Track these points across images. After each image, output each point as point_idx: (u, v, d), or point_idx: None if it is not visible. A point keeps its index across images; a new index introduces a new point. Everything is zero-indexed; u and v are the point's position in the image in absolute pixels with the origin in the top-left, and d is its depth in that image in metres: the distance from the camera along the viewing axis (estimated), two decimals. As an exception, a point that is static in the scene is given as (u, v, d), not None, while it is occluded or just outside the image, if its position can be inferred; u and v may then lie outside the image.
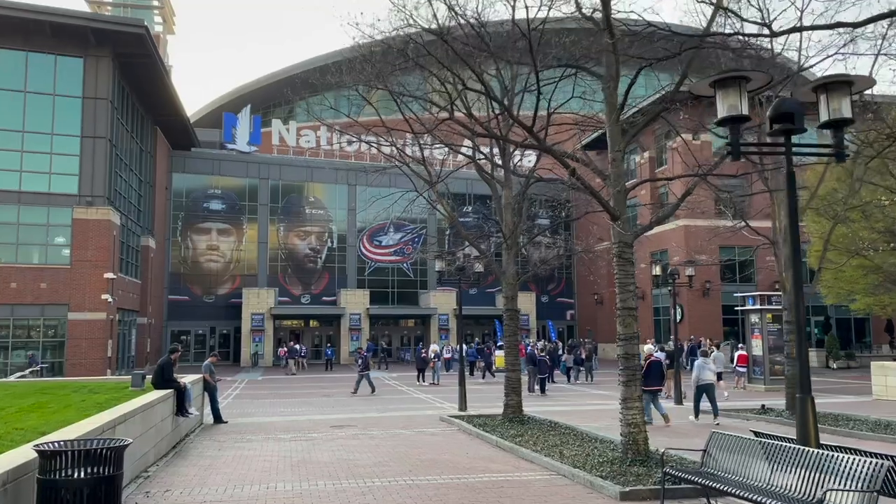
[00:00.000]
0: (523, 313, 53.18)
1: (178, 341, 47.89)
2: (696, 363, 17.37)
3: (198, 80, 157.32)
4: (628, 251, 10.14)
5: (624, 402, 10.19)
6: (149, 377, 14.29)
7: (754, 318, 27.89)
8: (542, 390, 25.61)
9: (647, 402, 15.97)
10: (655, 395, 16.36)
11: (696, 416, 16.83)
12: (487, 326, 54.69)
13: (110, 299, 33.46)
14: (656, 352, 25.38)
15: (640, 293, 48.91)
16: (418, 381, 30.81)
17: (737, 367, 28.23)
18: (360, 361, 27.19)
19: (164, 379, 13.25)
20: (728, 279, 45.15)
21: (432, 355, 32.48)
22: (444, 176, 16.25)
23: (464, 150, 18.19)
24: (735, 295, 36.95)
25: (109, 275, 33.27)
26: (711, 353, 20.27)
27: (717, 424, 15.80)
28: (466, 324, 53.27)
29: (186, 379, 15.09)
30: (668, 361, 22.62)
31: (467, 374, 38.65)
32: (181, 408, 13.49)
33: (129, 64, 36.72)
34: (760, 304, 27.48)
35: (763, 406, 18.07)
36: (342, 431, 15.36)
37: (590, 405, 21.86)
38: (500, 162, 15.83)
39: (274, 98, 66.33)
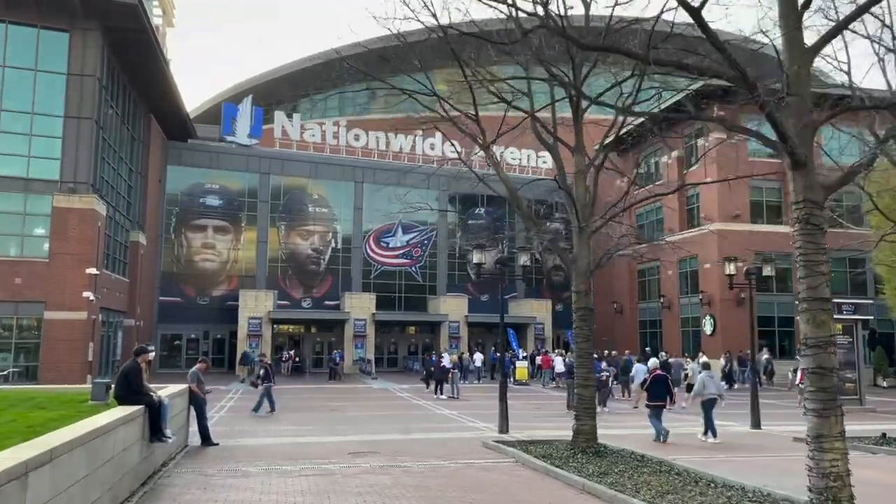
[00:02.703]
0: (539, 321, 49.79)
1: (171, 346, 44.52)
2: (699, 377, 16.49)
3: (198, 80, 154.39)
4: (818, 213, 6.82)
5: (817, 440, 6.77)
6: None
7: (821, 329, 24.52)
8: (585, 408, 22.20)
9: (651, 418, 15.63)
10: (660, 411, 15.69)
11: (714, 435, 15.72)
12: (499, 336, 51.10)
13: (92, 297, 29.98)
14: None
15: (666, 302, 45.61)
16: (436, 393, 27.41)
17: (798, 384, 24.85)
18: (261, 372, 21.20)
19: (130, 391, 9.82)
20: (763, 289, 41.80)
21: (450, 365, 28.99)
22: (503, 132, 12.71)
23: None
24: (789, 303, 33.63)
25: (92, 270, 29.82)
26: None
27: (705, 441, 15.43)
28: (478, 332, 49.89)
29: (165, 391, 11.70)
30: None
31: (478, 382, 35.39)
32: (155, 430, 10.07)
33: (121, 41, 33.37)
34: (829, 313, 24.12)
35: (884, 435, 14.70)
36: (365, 462, 11.93)
37: (649, 427, 18.31)
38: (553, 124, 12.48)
39: (277, 94, 63.20)
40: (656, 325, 47.44)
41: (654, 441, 15.11)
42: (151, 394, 10.12)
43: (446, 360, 29.62)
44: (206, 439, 14.10)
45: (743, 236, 38.86)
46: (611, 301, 52.26)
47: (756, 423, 17.96)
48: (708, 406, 15.60)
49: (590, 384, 12.36)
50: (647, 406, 15.92)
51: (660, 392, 15.71)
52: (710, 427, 15.68)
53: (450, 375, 27.91)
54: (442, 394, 27.35)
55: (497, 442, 13.71)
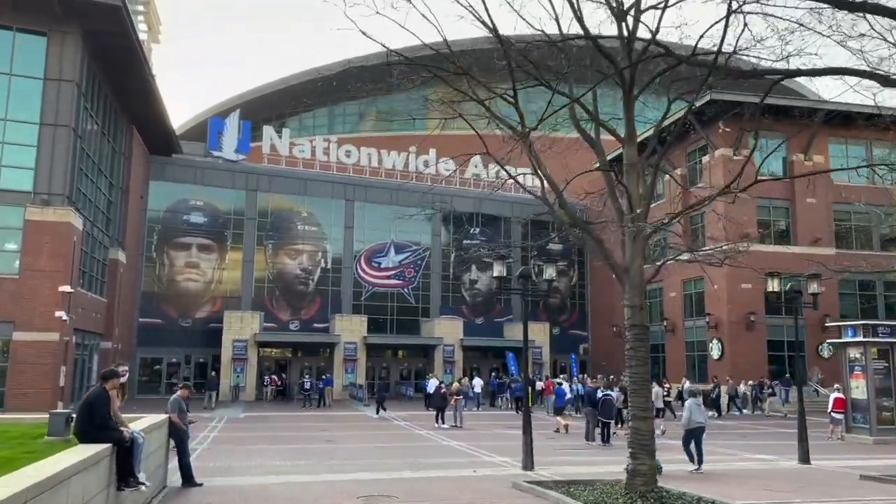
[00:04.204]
0: (536, 345, 47.77)
1: (151, 370, 42.05)
2: (686, 404, 15.79)
3: (182, 102, 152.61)
4: None
5: None
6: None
7: (854, 354, 22.88)
8: (606, 439, 20.24)
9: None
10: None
11: (696, 463, 14.86)
12: (494, 360, 49.37)
13: (66, 317, 27.73)
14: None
15: (669, 325, 43.91)
16: (437, 422, 25.34)
17: (832, 413, 23.13)
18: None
19: (94, 425, 7.80)
20: (771, 311, 40.20)
21: (447, 390, 26.97)
22: (545, 116, 10.94)
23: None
24: (800, 326, 31.90)
25: (66, 288, 27.62)
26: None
27: (701, 472, 14.38)
28: (473, 356, 47.88)
29: (140, 423, 9.68)
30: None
31: (477, 409, 33.16)
32: (125, 474, 8.05)
33: (102, 46, 31.43)
34: (864, 336, 22.49)
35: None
36: (381, 509, 9.96)
37: (678, 461, 16.19)
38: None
39: (266, 111, 61.53)
40: (659, 350, 45.61)
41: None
42: (122, 428, 8.10)
43: (443, 386, 27.90)
44: (187, 479, 12.04)
45: (752, 256, 37.22)
46: (610, 325, 50.48)
47: (805, 458, 16.12)
48: (696, 434, 14.87)
49: (648, 416, 10.45)
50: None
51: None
52: (691, 456, 14.97)
53: (453, 402, 25.87)
54: (444, 422, 25.31)
55: (530, 483, 11.75)
